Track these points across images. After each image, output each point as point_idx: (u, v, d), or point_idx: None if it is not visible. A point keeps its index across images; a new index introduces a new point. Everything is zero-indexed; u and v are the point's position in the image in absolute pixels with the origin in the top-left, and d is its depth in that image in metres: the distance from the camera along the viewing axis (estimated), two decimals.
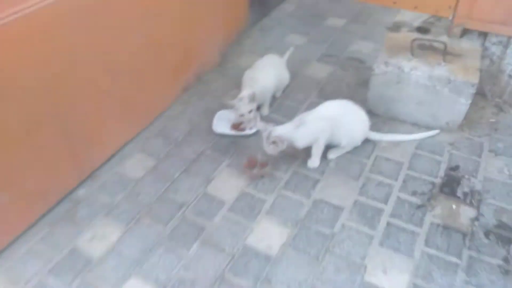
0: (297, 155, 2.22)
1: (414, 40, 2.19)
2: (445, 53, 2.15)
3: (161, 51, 2.44)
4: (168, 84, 2.60)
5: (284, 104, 2.63)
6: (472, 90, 2.06)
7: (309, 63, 2.98)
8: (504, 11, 2.14)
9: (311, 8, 3.72)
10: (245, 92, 2.35)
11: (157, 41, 2.37)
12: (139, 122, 2.46)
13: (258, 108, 2.52)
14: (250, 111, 2.33)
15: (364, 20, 3.48)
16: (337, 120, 2.07)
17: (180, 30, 2.56)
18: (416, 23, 2.54)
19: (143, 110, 2.46)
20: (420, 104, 2.25)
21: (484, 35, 2.35)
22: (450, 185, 2.00)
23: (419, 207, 1.92)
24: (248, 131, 2.39)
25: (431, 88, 2.16)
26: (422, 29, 2.46)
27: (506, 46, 2.30)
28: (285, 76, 2.66)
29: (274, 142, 1.99)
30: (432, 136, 2.27)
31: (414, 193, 1.99)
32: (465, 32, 2.34)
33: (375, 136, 2.25)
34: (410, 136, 2.25)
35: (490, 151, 2.17)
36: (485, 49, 2.34)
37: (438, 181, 2.04)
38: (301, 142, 2.07)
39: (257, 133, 2.31)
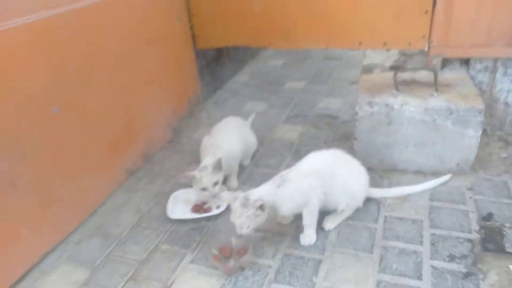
0: (283, 231, 1.66)
1: (396, 72, 1.87)
2: (436, 82, 1.81)
3: (96, 127, 1.94)
4: (107, 167, 2.04)
5: (256, 172, 2.13)
6: (481, 118, 1.70)
7: (275, 126, 2.58)
8: (485, 31, 1.91)
9: (266, 76, 3.48)
10: (208, 160, 1.84)
11: (89, 114, 1.88)
12: (66, 222, 1.82)
13: (224, 181, 1.99)
14: (215, 184, 1.79)
15: (325, 79, 3.25)
16: (329, 175, 1.59)
17: (119, 101, 2.10)
18: (388, 63, 2.28)
19: (72, 205, 1.84)
20: (420, 146, 1.84)
21: (466, 63, 2.10)
22: (492, 240, 1.50)
23: (466, 276, 1.37)
24: (214, 211, 1.82)
25: (430, 124, 1.78)
26: (396, 68, 2.18)
27: (493, 71, 2.04)
28: (251, 139, 2.20)
29: (254, 209, 1.44)
30: (445, 183, 1.82)
31: (451, 258, 1.45)
32: (445, 63, 2.07)
33: (378, 193, 1.77)
34: (420, 187, 1.79)
35: None
36: (470, 78, 2.07)
37: (475, 236, 1.53)
38: (286, 208, 1.54)
39: (227, 211, 1.75)
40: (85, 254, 1.69)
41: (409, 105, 1.78)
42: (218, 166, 1.80)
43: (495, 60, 2.01)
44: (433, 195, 1.78)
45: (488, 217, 1.61)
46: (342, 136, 2.35)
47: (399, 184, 1.85)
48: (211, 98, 3.13)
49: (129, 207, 1.96)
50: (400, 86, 1.90)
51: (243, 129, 2.19)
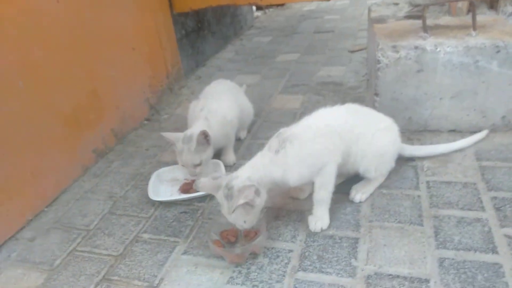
0: (301, 207, 1.29)
1: (425, 8, 1.53)
2: (475, 17, 1.49)
3: (54, 95, 1.51)
4: (68, 147, 1.61)
5: (254, 145, 1.75)
6: None
7: (272, 96, 2.22)
8: None
9: (253, 51, 3.12)
10: (199, 126, 1.46)
11: (41, 78, 1.46)
12: (16, 214, 1.38)
13: (218, 155, 1.61)
14: (197, 165, 1.40)
15: (320, 50, 2.91)
16: (347, 132, 1.22)
17: (82, 64, 1.68)
18: (401, 14, 1.95)
19: (24, 193, 1.41)
20: (458, 98, 1.51)
21: (494, 7, 1.80)
22: None
23: None
24: None
25: (471, 67, 1.45)
26: (413, 18, 1.85)
27: None
28: (248, 107, 1.82)
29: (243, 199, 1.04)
30: (490, 141, 1.50)
31: None
32: (470, 7, 1.76)
33: (410, 150, 1.43)
34: (454, 145, 1.46)
35: None
36: None
37: None
38: (295, 176, 1.15)
39: None
40: (41, 253, 1.27)
41: (445, 46, 1.45)
42: (204, 139, 1.41)
43: None
44: (479, 154, 1.44)
45: None
46: (352, 101, 1.98)
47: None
48: (193, 74, 2.73)
49: (99, 194, 1.54)
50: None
51: (238, 93, 1.81)
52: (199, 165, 1.42)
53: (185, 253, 1.19)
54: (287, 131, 1.19)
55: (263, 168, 1.13)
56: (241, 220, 1.08)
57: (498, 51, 1.40)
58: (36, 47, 1.45)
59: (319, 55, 2.80)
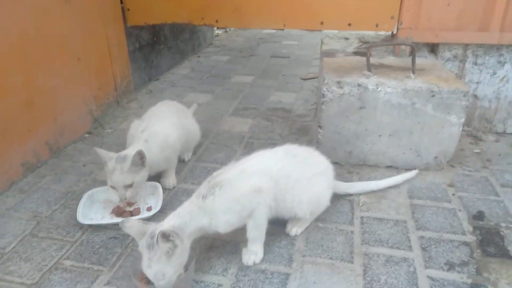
0: (235, 238, 1.26)
1: (370, 48, 1.60)
2: (414, 61, 1.57)
3: None
4: None
5: (198, 168, 1.71)
6: (465, 102, 1.48)
7: (222, 118, 2.20)
8: (456, 14, 1.74)
9: (209, 70, 3.11)
10: (136, 147, 1.40)
11: None
12: None
13: (157, 177, 1.55)
14: (128, 186, 1.34)
15: (274, 75, 2.95)
16: (283, 177, 1.20)
17: (18, 73, 1.57)
18: (350, 50, 2.03)
19: None
20: (395, 136, 1.57)
21: (433, 51, 1.92)
22: (492, 242, 1.24)
23: (473, 287, 1.08)
24: (145, 214, 1.37)
25: (408, 108, 1.52)
26: (361, 54, 1.93)
27: (463, 61, 1.87)
28: (193, 128, 1.79)
29: (165, 246, 0.98)
30: (423, 179, 1.57)
31: (450, 266, 1.16)
32: (411, 50, 1.87)
33: (344, 187, 1.46)
34: (384, 182, 1.51)
35: (503, 185, 1.53)
36: None
37: (470, 239, 1.26)
38: (223, 223, 1.11)
39: (160, 213, 1.32)
40: None
41: (385, 86, 1.51)
42: (140, 160, 1.35)
43: (465, 48, 1.85)
44: (412, 192, 1.50)
45: (480, 216, 1.36)
46: (298, 130, 2.04)
47: (370, 180, 1.55)
48: (145, 88, 2.67)
49: (23, 212, 1.43)
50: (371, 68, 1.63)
51: (183, 115, 1.77)
52: (130, 186, 1.35)
53: (108, 283, 1.12)
54: (219, 175, 1.15)
55: (189, 216, 1.07)
56: (160, 273, 0.99)
57: (433, 95, 1.48)
58: None
59: (272, 80, 2.84)
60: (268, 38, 4.21)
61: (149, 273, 0.99)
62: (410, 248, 1.23)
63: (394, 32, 1.86)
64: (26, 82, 1.62)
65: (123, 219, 1.10)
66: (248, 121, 2.16)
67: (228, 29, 4.60)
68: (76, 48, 1.92)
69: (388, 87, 1.51)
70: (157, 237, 0.97)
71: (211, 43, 3.97)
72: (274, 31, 4.58)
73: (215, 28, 4.29)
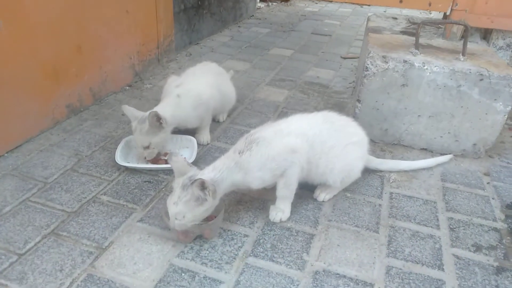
0: (264, 196, 1.29)
1: (420, 25, 1.55)
2: (466, 43, 1.52)
3: (36, 41, 1.46)
4: (42, 96, 1.57)
5: (231, 129, 1.74)
6: None
7: (258, 86, 2.21)
8: None
9: (249, 40, 3.10)
10: (163, 106, 1.44)
11: (26, 21, 1.40)
12: None
13: (193, 132, 1.59)
14: (146, 147, 1.38)
15: (313, 51, 2.91)
16: (318, 141, 1.20)
17: (70, 17, 1.62)
18: (398, 28, 1.97)
19: None
20: (435, 118, 1.54)
21: (486, 38, 1.84)
22: None
23: (499, 271, 1.07)
24: None
25: (453, 90, 1.48)
26: (408, 34, 1.88)
27: None
28: (230, 91, 1.81)
29: (196, 194, 1.02)
30: (458, 165, 1.54)
31: (477, 248, 1.15)
32: (463, 35, 1.80)
33: (376, 163, 1.45)
34: (416, 163, 1.49)
35: None
36: None
37: (501, 226, 1.24)
38: (256, 179, 1.13)
39: (195, 163, 1.36)
40: None
41: (432, 65, 1.47)
42: (157, 122, 1.36)
43: None
44: (445, 175, 1.48)
45: None
46: (334, 105, 2.02)
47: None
48: (185, 50, 2.70)
49: (65, 149, 1.50)
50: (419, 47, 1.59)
51: (221, 77, 1.79)
52: (147, 148, 1.38)
53: (140, 220, 1.18)
54: (256, 133, 1.17)
55: (226, 170, 1.09)
56: (181, 215, 1.02)
57: (481, 79, 1.44)
58: None
59: (312, 55, 2.81)
60: (310, 16, 4.14)
61: (172, 209, 1.03)
62: (437, 226, 1.22)
63: (448, 13, 1.79)
64: (77, 29, 1.68)
65: (164, 159, 1.13)
66: (284, 91, 2.16)
67: (270, 4, 4.55)
68: (126, 1, 1.96)
69: (435, 66, 1.47)
70: (195, 183, 1.00)
71: (253, 15, 3.94)
72: (317, 9, 4.50)
73: (258, 0, 4.25)
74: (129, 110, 1.39)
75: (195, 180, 1.01)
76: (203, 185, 1.01)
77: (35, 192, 1.26)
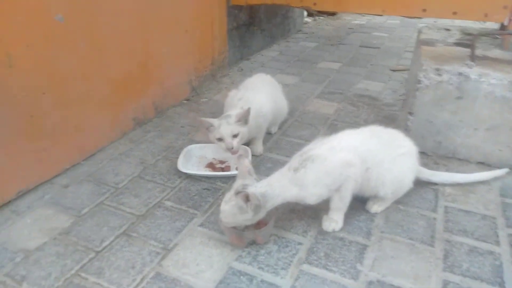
0: (317, 206, 1.33)
1: (476, 38, 1.54)
2: None
3: (107, 55, 1.62)
4: (112, 109, 1.73)
5: (283, 141, 1.80)
6: None
7: (308, 99, 2.26)
8: None
9: (297, 54, 3.17)
10: (234, 111, 1.53)
11: (101, 40, 1.57)
12: (55, 160, 1.50)
13: (247, 144, 1.67)
14: (235, 136, 1.47)
15: (362, 64, 2.92)
16: (370, 156, 1.23)
17: (138, 36, 1.78)
18: (451, 40, 1.95)
19: (65, 143, 1.52)
20: (493, 131, 1.51)
21: None
22: None
23: None
24: (234, 171, 1.50)
25: None
26: (463, 45, 1.85)
27: None
28: (283, 103, 1.88)
29: (239, 203, 1.09)
30: (509, 179, 1.50)
31: None
32: None
33: (428, 174, 1.44)
34: (471, 176, 1.46)
35: None
36: None
37: None
38: (312, 195, 1.17)
39: None
40: (71, 200, 1.37)
41: (490, 77, 1.45)
42: (244, 118, 1.49)
43: None
44: (504, 190, 1.44)
45: None
46: (385, 117, 2.03)
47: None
48: (237, 65, 2.82)
49: (132, 158, 1.64)
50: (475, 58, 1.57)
51: (275, 89, 1.87)
52: (236, 136, 1.47)
53: (201, 225, 1.26)
54: (310, 151, 1.22)
55: (279, 188, 1.14)
56: (225, 215, 1.11)
57: None
58: (102, 13, 1.56)
59: (360, 68, 2.82)
60: (358, 29, 4.14)
61: (222, 207, 1.12)
62: (497, 243, 1.20)
63: (505, 24, 1.75)
64: (143, 47, 1.83)
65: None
66: (333, 104, 2.20)
67: (317, 18, 4.61)
68: (185, 22, 2.11)
69: (493, 79, 1.45)
70: (240, 194, 1.08)
71: (300, 30, 4.02)
72: (364, 22, 4.49)
73: (306, 15, 4.33)
74: (206, 120, 1.50)
75: (241, 192, 1.08)
76: (247, 198, 1.08)
77: (108, 196, 1.39)
